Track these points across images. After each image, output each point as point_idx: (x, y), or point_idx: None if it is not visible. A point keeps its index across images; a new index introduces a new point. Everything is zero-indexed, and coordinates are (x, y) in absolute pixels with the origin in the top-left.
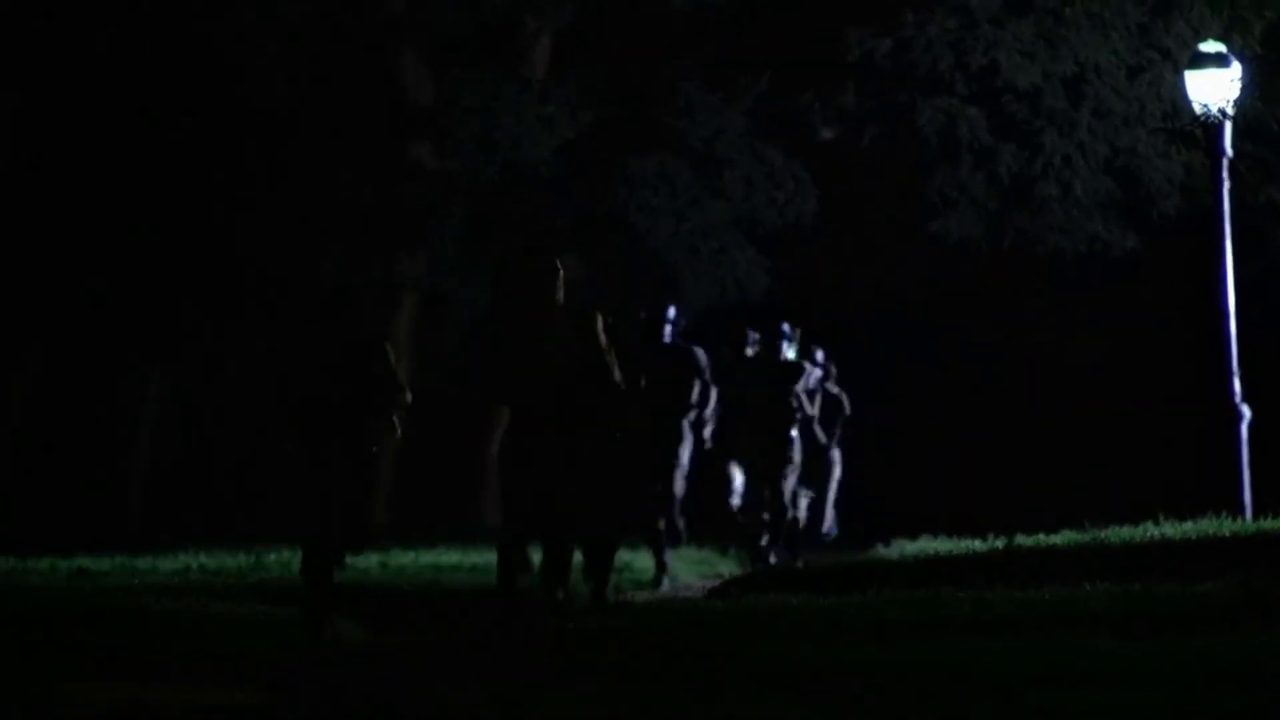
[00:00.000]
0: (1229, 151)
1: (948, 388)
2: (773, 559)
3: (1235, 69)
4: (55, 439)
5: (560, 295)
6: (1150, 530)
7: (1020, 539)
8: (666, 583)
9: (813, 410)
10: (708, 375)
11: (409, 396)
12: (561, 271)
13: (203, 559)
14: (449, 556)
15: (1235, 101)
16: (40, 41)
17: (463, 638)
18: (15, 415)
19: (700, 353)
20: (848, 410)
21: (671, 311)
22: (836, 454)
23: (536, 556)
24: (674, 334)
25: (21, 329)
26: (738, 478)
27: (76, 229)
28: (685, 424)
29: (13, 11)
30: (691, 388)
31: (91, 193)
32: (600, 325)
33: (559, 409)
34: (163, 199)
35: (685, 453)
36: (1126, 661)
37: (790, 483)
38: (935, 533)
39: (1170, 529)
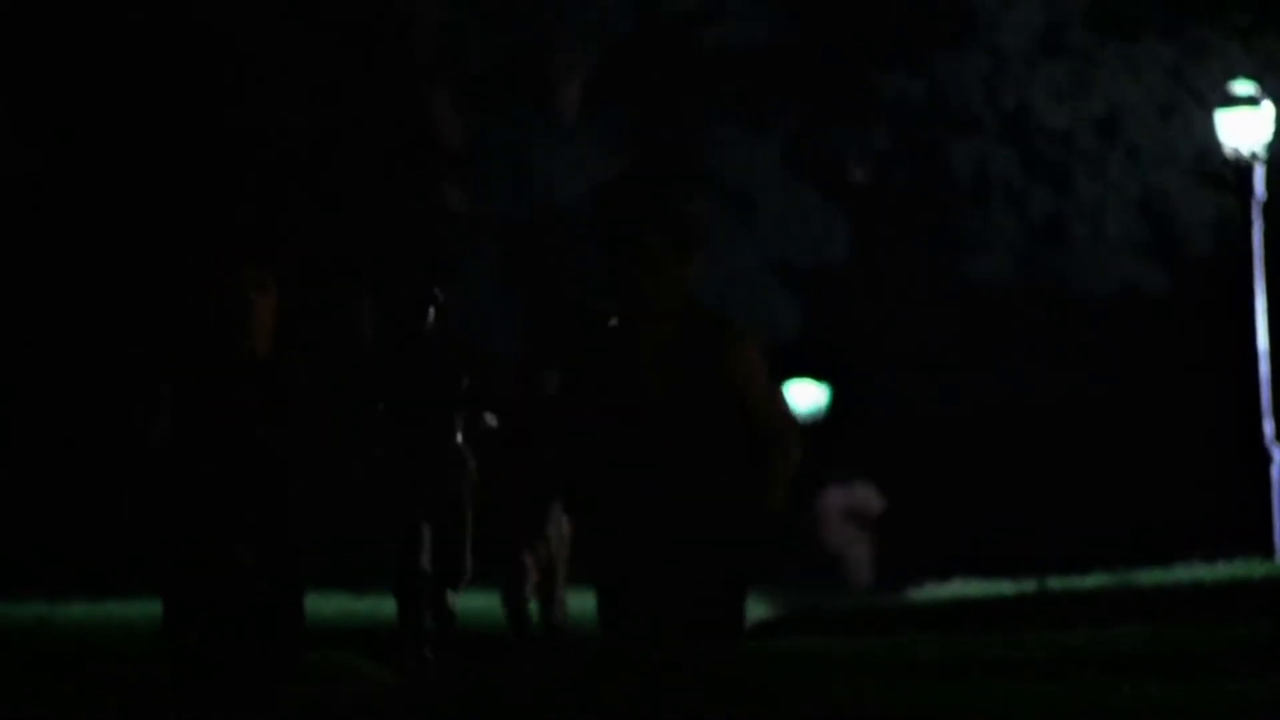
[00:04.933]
0: (1261, 193)
1: (978, 428)
2: None
3: (1267, 110)
4: (76, 472)
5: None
6: (1181, 573)
7: (1051, 581)
8: None
9: None
10: None
11: None
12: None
13: None
14: (478, 600)
15: (1267, 143)
16: (70, 82)
17: (490, 676)
18: (54, 444)
19: None
20: None
21: None
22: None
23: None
24: None
25: (28, 355)
26: None
27: (105, 268)
28: None
29: (39, 50)
30: None
31: (132, 237)
32: None
33: None
34: (187, 243)
35: None
36: (1159, 703)
37: None
38: (967, 575)
39: (1201, 571)
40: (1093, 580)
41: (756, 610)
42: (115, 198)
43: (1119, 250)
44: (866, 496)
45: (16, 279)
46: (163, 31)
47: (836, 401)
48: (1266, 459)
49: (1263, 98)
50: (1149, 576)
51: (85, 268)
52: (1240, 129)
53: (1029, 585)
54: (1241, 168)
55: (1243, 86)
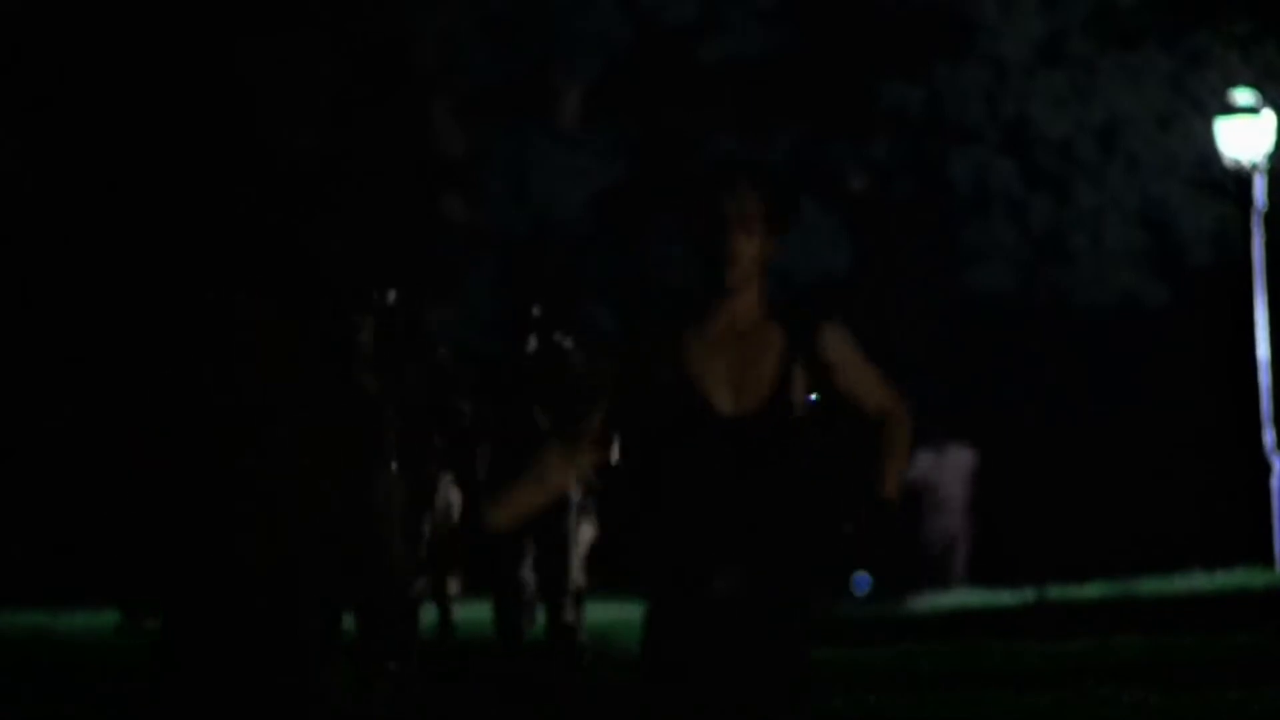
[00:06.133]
0: (1262, 203)
1: (977, 437)
2: None
3: (1267, 119)
4: (76, 479)
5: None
6: (1181, 582)
7: (1051, 591)
8: None
9: None
10: None
11: None
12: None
13: None
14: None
15: (1267, 153)
16: (69, 81)
17: (505, 691)
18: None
19: None
20: None
21: None
22: None
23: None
24: None
25: (27, 360)
26: None
27: (104, 272)
28: None
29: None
30: None
31: (123, 244)
32: None
33: None
34: (188, 255)
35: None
36: (1160, 713)
37: None
38: (967, 584)
39: (1201, 580)
40: (1092, 589)
41: None
42: (115, 202)
43: (1119, 260)
44: (962, 459)
45: (14, 282)
46: (163, 36)
47: None
48: (1266, 468)
49: (1262, 107)
50: (1149, 586)
51: (84, 272)
52: (1240, 138)
53: (1029, 594)
54: (1241, 177)
55: (1243, 96)
